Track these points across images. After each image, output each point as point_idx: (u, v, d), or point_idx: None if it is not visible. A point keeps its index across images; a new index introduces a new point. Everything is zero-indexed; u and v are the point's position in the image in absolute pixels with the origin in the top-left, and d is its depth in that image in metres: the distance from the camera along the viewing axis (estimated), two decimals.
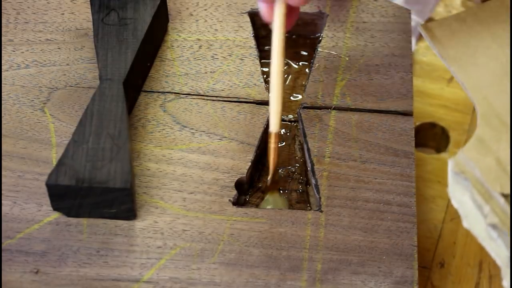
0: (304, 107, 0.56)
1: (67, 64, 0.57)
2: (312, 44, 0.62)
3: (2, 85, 0.56)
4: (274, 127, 0.52)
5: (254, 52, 0.59)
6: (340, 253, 0.50)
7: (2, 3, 0.60)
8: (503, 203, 0.39)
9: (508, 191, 0.39)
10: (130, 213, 0.50)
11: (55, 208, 0.50)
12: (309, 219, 0.51)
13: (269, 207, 0.53)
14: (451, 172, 0.41)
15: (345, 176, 0.53)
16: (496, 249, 0.39)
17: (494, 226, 0.38)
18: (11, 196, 0.51)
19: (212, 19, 0.61)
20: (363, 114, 0.56)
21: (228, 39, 0.60)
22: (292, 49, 0.61)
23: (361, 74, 0.58)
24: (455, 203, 0.41)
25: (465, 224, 0.40)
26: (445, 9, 0.76)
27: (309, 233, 0.51)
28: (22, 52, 0.58)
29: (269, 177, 0.53)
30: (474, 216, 0.40)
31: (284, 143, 0.57)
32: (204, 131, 0.55)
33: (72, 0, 0.61)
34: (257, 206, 0.53)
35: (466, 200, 0.41)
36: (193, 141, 0.54)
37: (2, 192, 0.51)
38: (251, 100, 0.56)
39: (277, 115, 0.51)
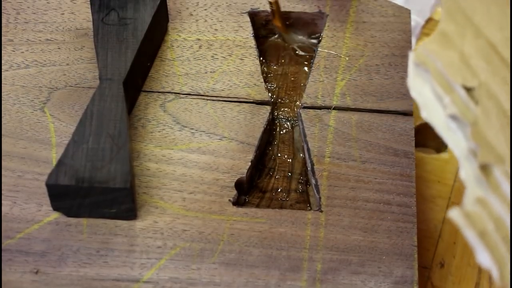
0: (304, 107, 0.56)
1: (67, 64, 0.57)
2: (312, 44, 0.62)
3: (2, 85, 0.56)
4: None
5: (254, 52, 0.59)
6: (340, 253, 0.50)
7: (2, 3, 0.60)
8: (464, 95, 0.39)
9: (470, 84, 0.39)
10: (130, 213, 0.50)
11: (55, 208, 0.50)
12: (309, 219, 0.51)
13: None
14: (412, 64, 0.41)
15: (345, 176, 0.53)
16: (455, 140, 0.39)
17: (453, 117, 0.38)
18: (11, 196, 0.51)
19: (212, 19, 0.61)
20: (363, 114, 0.56)
21: (228, 39, 0.60)
22: (292, 49, 0.61)
23: (361, 74, 0.58)
24: (414, 94, 0.41)
25: (424, 114, 0.40)
26: None
27: (309, 233, 0.51)
28: (22, 52, 0.58)
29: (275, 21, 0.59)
30: (433, 106, 0.40)
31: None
32: (204, 131, 0.55)
33: (72, 0, 0.61)
34: (257, 206, 0.53)
35: (425, 91, 0.40)
36: (193, 141, 0.54)
37: (2, 192, 0.51)
38: (251, 100, 0.56)
39: None
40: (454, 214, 0.36)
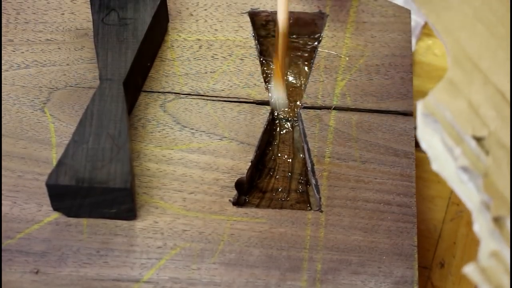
0: (304, 107, 0.56)
1: (67, 64, 0.57)
2: (312, 44, 0.62)
3: (2, 85, 0.56)
4: (282, 25, 0.56)
5: (254, 52, 0.59)
6: (340, 253, 0.50)
7: (2, 3, 0.60)
8: (475, 146, 0.38)
9: (480, 134, 0.39)
10: (130, 213, 0.50)
11: (55, 208, 0.50)
12: (309, 219, 0.51)
13: (273, 96, 0.57)
14: (421, 115, 0.40)
15: (345, 176, 0.53)
16: (467, 193, 0.38)
17: (465, 169, 0.38)
18: (11, 196, 0.51)
19: (212, 19, 0.61)
20: (363, 114, 0.56)
21: (228, 39, 0.60)
22: (292, 49, 0.61)
23: (361, 74, 0.58)
24: (424, 145, 0.40)
25: (434, 167, 0.40)
26: None
27: (309, 233, 0.51)
28: (22, 52, 0.58)
29: (276, 65, 0.57)
30: (444, 158, 0.39)
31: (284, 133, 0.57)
32: (204, 131, 0.55)
33: (72, 0, 0.61)
34: (257, 206, 0.53)
35: (435, 142, 0.40)
36: (193, 141, 0.54)
37: (2, 192, 0.51)
38: (251, 100, 0.56)
39: (284, 11, 0.55)
40: (470, 269, 0.35)
